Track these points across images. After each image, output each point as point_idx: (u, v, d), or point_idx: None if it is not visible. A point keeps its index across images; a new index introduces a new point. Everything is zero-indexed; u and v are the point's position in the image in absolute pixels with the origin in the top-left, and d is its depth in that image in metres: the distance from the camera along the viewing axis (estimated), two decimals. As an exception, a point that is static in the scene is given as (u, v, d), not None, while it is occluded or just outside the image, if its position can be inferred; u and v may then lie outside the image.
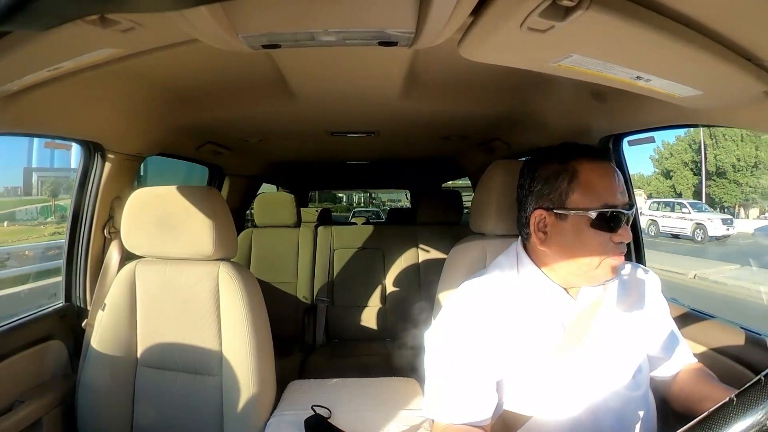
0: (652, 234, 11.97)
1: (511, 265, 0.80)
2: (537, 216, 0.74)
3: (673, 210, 12.38)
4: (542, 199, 0.74)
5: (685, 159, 17.19)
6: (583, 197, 0.70)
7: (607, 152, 0.78)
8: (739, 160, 15.52)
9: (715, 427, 0.36)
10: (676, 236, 11.80)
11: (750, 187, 15.56)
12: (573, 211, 0.70)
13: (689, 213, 11.91)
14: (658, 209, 12.65)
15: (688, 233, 11.63)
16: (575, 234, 0.71)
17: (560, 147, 0.76)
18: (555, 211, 0.72)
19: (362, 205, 13.43)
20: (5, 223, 8.28)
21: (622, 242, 0.70)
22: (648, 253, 1.35)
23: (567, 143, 0.76)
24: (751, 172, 15.47)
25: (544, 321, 0.75)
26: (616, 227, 0.70)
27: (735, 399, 0.36)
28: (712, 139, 16.17)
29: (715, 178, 16.16)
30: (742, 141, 15.24)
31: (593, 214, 0.69)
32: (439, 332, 0.77)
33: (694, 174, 16.90)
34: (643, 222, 11.72)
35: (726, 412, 0.36)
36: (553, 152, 0.76)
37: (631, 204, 0.72)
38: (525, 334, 0.74)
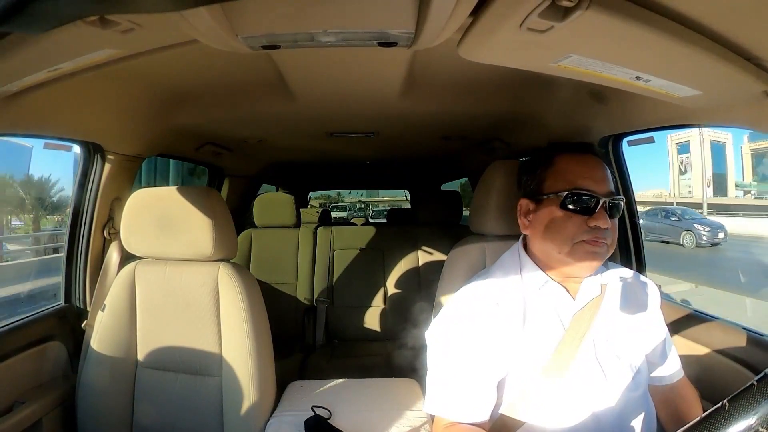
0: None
1: (514, 264, 0.81)
2: (522, 204, 0.81)
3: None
4: (526, 189, 0.81)
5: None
6: (554, 182, 0.75)
7: (591, 146, 0.79)
8: None
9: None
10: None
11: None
12: (545, 195, 0.75)
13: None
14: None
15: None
16: (549, 216, 0.74)
17: (548, 145, 0.81)
18: (535, 197, 0.78)
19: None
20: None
21: (597, 227, 0.70)
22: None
23: (556, 142, 0.81)
24: None
25: (545, 320, 0.75)
26: (587, 210, 0.71)
27: (727, 404, 0.36)
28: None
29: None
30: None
31: (562, 195, 0.72)
32: (441, 331, 0.78)
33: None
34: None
35: (718, 417, 0.36)
36: (542, 149, 0.81)
37: (612, 193, 0.73)
38: (526, 333, 0.74)
